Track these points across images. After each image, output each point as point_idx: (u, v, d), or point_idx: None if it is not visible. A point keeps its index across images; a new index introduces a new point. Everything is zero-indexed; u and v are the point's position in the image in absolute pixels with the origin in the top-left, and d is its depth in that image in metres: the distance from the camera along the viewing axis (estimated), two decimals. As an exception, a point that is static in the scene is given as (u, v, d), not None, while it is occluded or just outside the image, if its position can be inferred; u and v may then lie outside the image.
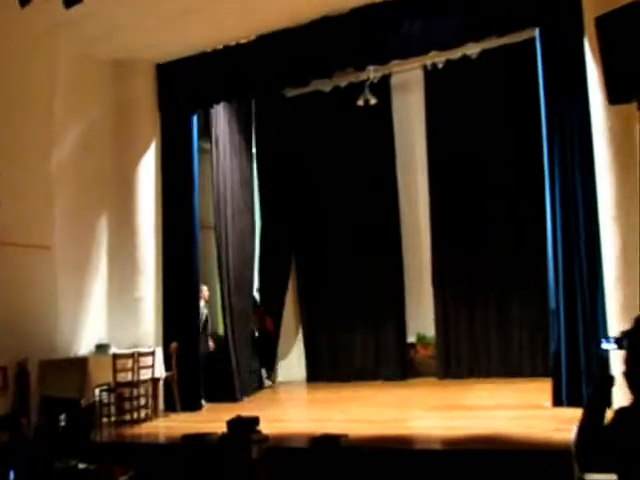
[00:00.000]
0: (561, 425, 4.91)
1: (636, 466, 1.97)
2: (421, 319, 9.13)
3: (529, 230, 8.06)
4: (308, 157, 9.77)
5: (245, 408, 6.53)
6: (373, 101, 8.63)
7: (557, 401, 5.96)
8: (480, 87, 8.67)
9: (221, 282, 8.05)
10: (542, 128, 6.26)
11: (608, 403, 2.20)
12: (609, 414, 2.14)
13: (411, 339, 9.26)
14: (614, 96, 4.02)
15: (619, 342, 3.28)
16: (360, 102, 8.63)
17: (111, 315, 7.37)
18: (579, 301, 5.88)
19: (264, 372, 9.09)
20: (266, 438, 4.34)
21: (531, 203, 7.82)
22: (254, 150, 9.49)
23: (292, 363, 9.78)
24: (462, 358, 8.74)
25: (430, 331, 9.05)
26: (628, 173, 5.26)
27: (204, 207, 8.17)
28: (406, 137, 9.30)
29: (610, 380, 2.22)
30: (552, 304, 6.11)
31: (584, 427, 2.09)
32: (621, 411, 2.12)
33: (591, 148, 5.65)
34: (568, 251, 5.95)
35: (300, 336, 9.79)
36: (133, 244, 7.54)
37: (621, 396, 2.26)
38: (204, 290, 8.12)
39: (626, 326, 2.23)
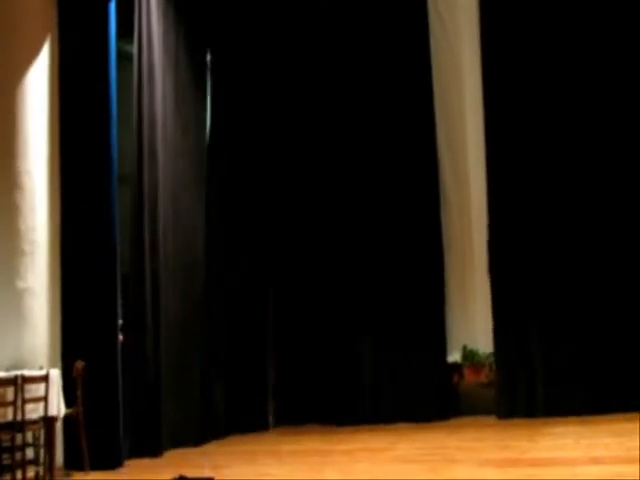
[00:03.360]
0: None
1: None
2: (470, 326, 9.26)
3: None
4: (296, 71, 9.69)
5: (192, 464, 6.77)
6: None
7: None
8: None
9: (152, 269, 8.00)
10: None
11: None
12: None
13: (454, 357, 9.25)
14: None
15: None
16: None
17: (-22, 319, 7.10)
18: None
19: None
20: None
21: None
22: (208, 57, 9.42)
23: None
24: (535, 386, 8.68)
25: (484, 345, 9.07)
26: None
27: (126, 149, 8.04)
28: (449, 43, 9.37)
29: None
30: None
31: None
32: None
33: None
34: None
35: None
36: (14, 207, 7.25)
37: None
38: None
39: None
